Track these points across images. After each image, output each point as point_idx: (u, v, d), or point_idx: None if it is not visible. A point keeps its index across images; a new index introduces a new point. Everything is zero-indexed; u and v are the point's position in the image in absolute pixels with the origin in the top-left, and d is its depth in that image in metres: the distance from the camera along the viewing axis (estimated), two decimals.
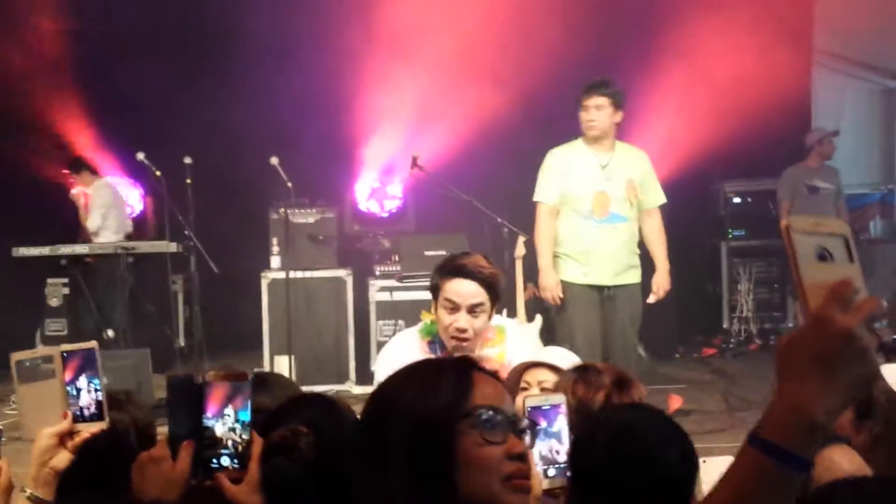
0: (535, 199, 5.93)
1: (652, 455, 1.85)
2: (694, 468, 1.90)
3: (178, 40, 9.31)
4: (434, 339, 3.55)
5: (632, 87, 8.40)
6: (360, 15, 9.17)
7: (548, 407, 2.20)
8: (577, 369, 2.62)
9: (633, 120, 8.42)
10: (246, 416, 1.70)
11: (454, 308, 3.40)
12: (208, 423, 1.70)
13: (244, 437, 1.70)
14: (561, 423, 2.18)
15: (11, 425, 7.07)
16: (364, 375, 8.04)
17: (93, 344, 2.10)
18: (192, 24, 9.32)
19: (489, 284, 3.43)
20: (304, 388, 7.60)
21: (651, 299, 5.82)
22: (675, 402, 6.89)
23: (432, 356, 3.50)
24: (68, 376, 2.07)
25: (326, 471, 1.76)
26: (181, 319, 9.36)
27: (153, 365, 7.29)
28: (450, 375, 1.59)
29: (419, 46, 9.00)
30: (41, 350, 2.12)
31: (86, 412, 2.06)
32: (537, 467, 2.06)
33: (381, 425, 1.57)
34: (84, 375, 2.07)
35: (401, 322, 8.03)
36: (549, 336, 7.33)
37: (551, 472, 2.10)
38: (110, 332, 8.22)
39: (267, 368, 8.09)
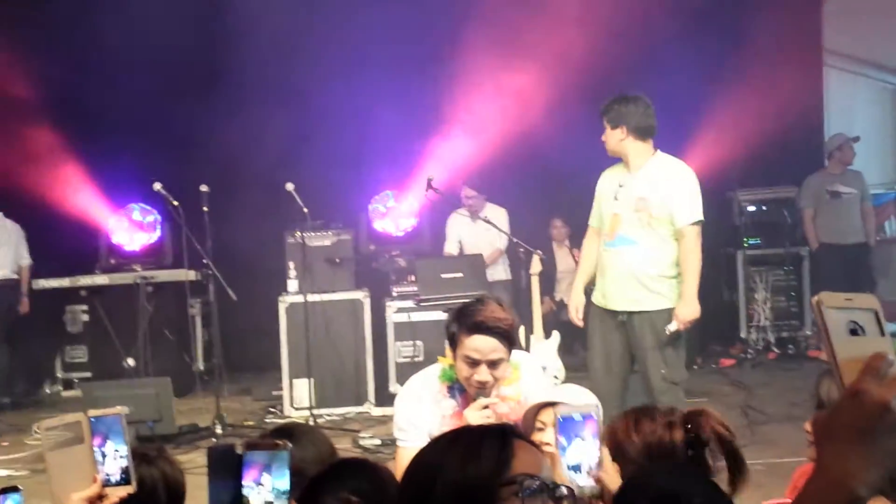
0: None
1: None
2: None
3: (191, 70, 9.36)
4: (453, 385, 3.56)
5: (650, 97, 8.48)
6: (371, 39, 9.22)
7: (579, 418, 2.26)
8: (630, 412, 2.57)
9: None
10: (284, 484, 1.72)
11: (475, 363, 3.42)
12: (246, 492, 1.72)
13: None
14: (591, 433, 2.23)
15: (33, 457, 7.16)
16: (383, 397, 8.07)
17: (119, 410, 2.14)
18: (205, 53, 9.38)
19: (507, 337, 3.45)
20: (324, 411, 7.75)
21: (670, 328, 5.36)
22: None
23: (451, 401, 3.53)
24: (95, 442, 2.10)
25: None
26: (200, 344, 9.40)
27: (173, 390, 7.32)
28: (492, 443, 1.62)
29: (432, 66, 9.05)
30: (69, 417, 2.14)
31: (112, 478, 2.10)
32: (566, 475, 2.12)
33: (423, 492, 1.60)
34: (110, 442, 2.10)
35: (419, 343, 8.08)
36: (566, 352, 7.37)
37: (580, 480, 2.15)
38: (131, 361, 8.26)
39: (286, 392, 8.13)
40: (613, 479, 2.33)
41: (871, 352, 1.18)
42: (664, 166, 5.53)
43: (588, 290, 5.74)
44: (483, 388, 3.42)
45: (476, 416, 3.32)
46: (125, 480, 2.10)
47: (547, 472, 1.64)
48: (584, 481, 2.18)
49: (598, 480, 2.28)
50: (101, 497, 2.08)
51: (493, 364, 3.41)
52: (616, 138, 5.48)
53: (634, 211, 5.45)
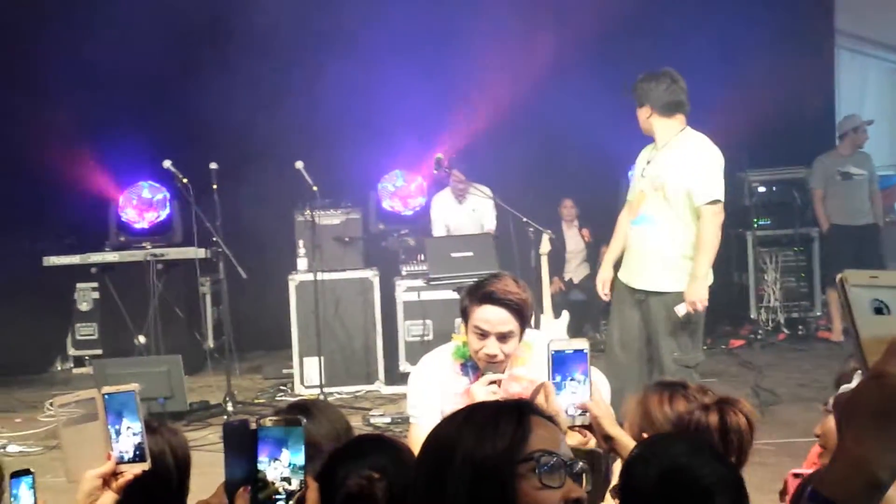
0: None
1: (702, 500, 1.85)
2: None
3: (201, 47, 9.35)
4: (466, 362, 3.55)
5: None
6: (380, 15, 9.19)
7: (571, 352, 2.42)
8: (663, 386, 2.61)
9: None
10: (299, 459, 1.73)
11: (483, 335, 3.41)
12: (262, 467, 1.73)
13: (298, 481, 1.73)
14: (582, 367, 2.39)
15: (46, 433, 7.19)
16: (393, 375, 8.09)
17: (133, 386, 2.14)
18: (215, 31, 9.36)
19: (518, 310, 3.41)
20: (334, 390, 7.78)
21: (679, 310, 5.27)
22: None
23: (465, 379, 3.53)
24: (109, 420, 2.11)
25: None
26: (210, 321, 9.43)
27: (184, 368, 7.35)
28: (508, 419, 1.62)
29: (443, 44, 9.02)
30: (83, 393, 2.15)
31: (125, 455, 2.11)
32: (562, 408, 2.32)
33: (439, 469, 1.60)
34: (124, 419, 2.11)
35: (428, 322, 8.08)
36: (576, 332, 7.37)
37: (571, 411, 2.37)
38: (142, 339, 8.29)
39: (296, 370, 8.16)
40: (603, 411, 2.40)
41: (895, 331, 1.16)
42: (687, 143, 5.40)
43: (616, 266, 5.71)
44: (492, 363, 3.40)
45: (481, 391, 3.30)
46: (140, 457, 2.11)
47: (564, 447, 1.64)
48: (574, 412, 2.36)
49: (584, 409, 2.37)
50: (115, 474, 2.10)
51: (502, 337, 3.39)
52: (643, 116, 5.45)
53: (654, 189, 5.38)
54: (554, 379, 2.41)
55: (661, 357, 5.38)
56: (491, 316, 3.39)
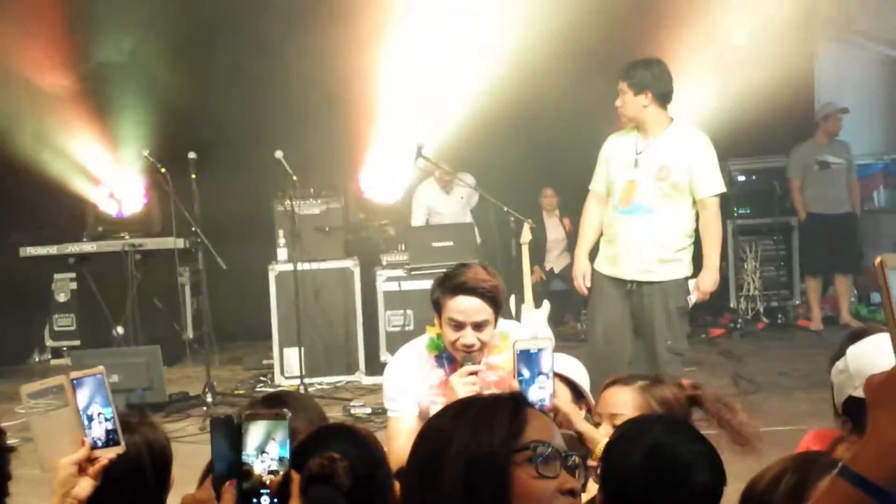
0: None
1: (684, 476, 1.91)
2: (722, 485, 1.96)
3: (179, 35, 9.26)
4: (441, 354, 3.54)
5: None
6: (358, 3, 9.12)
7: (535, 350, 2.50)
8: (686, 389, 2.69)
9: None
10: (285, 452, 1.72)
11: (459, 325, 3.39)
12: (249, 461, 1.72)
13: (283, 473, 1.72)
14: (547, 366, 2.47)
15: (23, 425, 7.12)
16: (373, 366, 8.07)
17: (100, 369, 2.11)
18: (193, 19, 9.27)
19: (491, 298, 3.40)
20: (314, 380, 7.76)
21: (692, 299, 5.38)
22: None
23: (440, 370, 3.52)
24: (79, 405, 2.08)
25: (362, 498, 1.82)
26: (189, 312, 9.38)
27: (163, 359, 7.33)
28: (504, 411, 1.63)
29: (422, 31, 8.97)
30: (50, 380, 2.10)
31: (99, 441, 2.08)
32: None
33: (434, 460, 1.61)
34: (94, 405, 2.08)
35: (409, 311, 8.07)
36: (556, 322, 7.37)
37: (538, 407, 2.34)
38: (120, 329, 8.24)
39: (276, 361, 8.13)
40: (569, 408, 2.45)
41: None
42: (686, 135, 5.44)
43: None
44: (469, 352, 3.39)
45: (461, 382, 3.27)
46: (114, 441, 2.08)
47: (558, 439, 1.65)
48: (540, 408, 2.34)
49: (552, 409, 2.42)
50: (90, 460, 2.06)
51: (477, 326, 3.38)
52: (638, 104, 5.34)
53: (655, 179, 5.34)
54: (521, 376, 2.47)
55: (654, 343, 5.38)
56: (465, 306, 3.38)
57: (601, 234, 5.62)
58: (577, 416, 2.46)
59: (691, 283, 5.47)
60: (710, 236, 5.39)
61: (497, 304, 3.44)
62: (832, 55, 11.68)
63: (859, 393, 2.32)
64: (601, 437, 2.44)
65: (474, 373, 3.33)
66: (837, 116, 9.40)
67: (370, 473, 1.89)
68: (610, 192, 5.51)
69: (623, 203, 5.41)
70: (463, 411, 1.67)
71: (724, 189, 5.44)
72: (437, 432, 1.66)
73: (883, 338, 2.44)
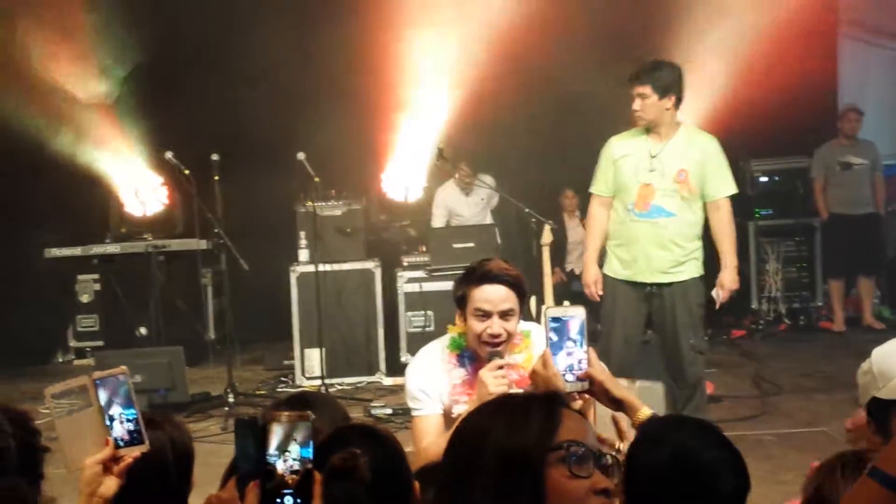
0: (590, 189, 5.72)
1: (709, 482, 1.88)
2: (747, 490, 1.93)
3: (202, 37, 9.31)
4: (462, 353, 3.55)
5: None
6: (380, 2, 9.15)
7: (567, 318, 2.46)
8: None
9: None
10: (308, 453, 1.73)
11: (486, 315, 3.40)
12: (272, 461, 1.74)
13: (306, 474, 1.73)
14: (580, 332, 2.44)
15: (47, 425, 7.18)
16: (394, 367, 8.09)
17: (123, 369, 2.12)
18: (215, 20, 9.32)
19: (516, 286, 3.45)
20: (335, 381, 7.79)
21: (718, 297, 5.48)
22: (706, 389, 6.89)
23: (462, 370, 3.53)
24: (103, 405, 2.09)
25: (383, 494, 1.83)
26: (211, 313, 9.43)
27: (186, 359, 7.37)
28: (539, 410, 1.65)
29: (444, 34, 8.98)
30: (73, 381, 2.11)
31: (121, 441, 2.09)
32: (560, 372, 2.38)
33: (468, 458, 1.62)
34: (116, 406, 2.09)
35: (430, 313, 8.08)
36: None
37: (570, 377, 2.41)
38: (143, 330, 8.29)
39: (297, 361, 8.16)
40: (604, 375, 2.43)
41: None
42: (697, 138, 5.51)
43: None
44: (496, 343, 3.39)
45: (491, 376, 3.25)
46: (138, 440, 2.10)
47: (592, 439, 1.67)
48: (572, 378, 2.41)
49: (586, 377, 2.40)
50: (115, 459, 2.08)
51: (504, 315, 3.40)
52: (662, 107, 5.34)
53: (674, 182, 5.38)
54: (551, 341, 2.45)
55: (678, 343, 5.44)
56: (492, 295, 3.40)
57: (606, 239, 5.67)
58: (615, 383, 2.43)
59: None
60: (727, 236, 5.51)
61: (521, 294, 3.47)
62: (855, 55, 11.60)
63: (883, 394, 2.32)
64: (641, 404, 2.40)
65: (503, 366, 3.32)
66: (849, 117, 9.34)
67: (391, 470, 1.90)
68: (620, 195, 5.52)
69: (640, 206, 5.42)
70: (498, 410, 1.69)
71: (736, 190, 5.55)
72: (472, 430, 1.68)
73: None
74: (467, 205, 8.97)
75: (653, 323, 5.60)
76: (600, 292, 5.59)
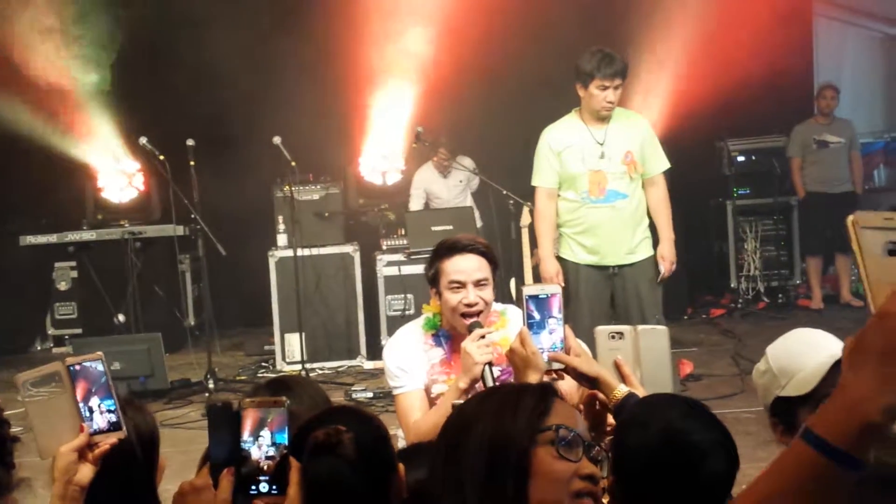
0: (532, 183, 5.76)
1: (699, 464, 1.85)
2: (736, 469, 1.91)
3: (176, 22, 9.22)
4: (438, 333, 3.54)
5: (635, 46, 8.40)
6: None
7: (545, 295, 2.46)
8: None
9: (637, 80, 8.40)
10: (283, 439, 1.72)
11: (460, 286, 3.40)
12: (247, 447, 1.72)
13: (281, 460, 1.72)
14: (557, 310, 2.44)
15: (24, 414, 7.13)
16: (375, 350, 8.08)
17: (98, 355, 2.08)
18: (190, 5, 9.23)
19: (488, 255, 3.47)
20: (316, 366, 7.76)
21: (662, 271, 5.62)
22: (685, 368, 6.93)
23: (439, 349, 3.52)
24: (78, 395, 2.06)
25: (367, 471, 1.82)
26: (190, 299, 9.39)
27: (164, 346, 7.33)
28: (529, 397, 1.66)
29: (419, 15, 8.93)
30: (46, 367, 2.08)
31: (100, 426, 2.06)
32: (539, 350, 2.41)
33: (459, 440, 1.63)
34: (95, 397, 2.06)
35: (409, 296, 8.07)
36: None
37: (546, 356, 2.43)
38: (121, 317, 8.25)
39: (278, 346, 8.14)
40: (584, 353, 2.42)
41: None
42: (632, 118, 5.74)
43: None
44: (474, 313, 3.38)
45: (475, 346, 3.18)
46: (115, 427, 2.07)
47: (583, 428, 1.67)
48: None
49: (567, 352, 2.40)
50: (90, 446, 2.05)
51: (478, 284, 3.41)
52: (620, 94, 5.54)
53: (622, 164, 5.54)
54: (531, 319, 2.45)
55: (644, 321, 5.43)
56: (464, 265, 3.41)
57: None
58: (591, 361, 2.42)
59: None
60: (667, 211, 5.73)
61: (494, 263, 3.49)
62: (831, 34, 11.64)
63: (788, 392, 2.26)
64: (618, 382, 2.38)
65: (485, 335, 3.25)
66: (825, 94, 9.36)
67: (375, 449, 1.88)
68: (569, 184, 5.59)
69: (595, 193, 5.53)
70: (490, 396, 1.72)
71: (669, 165, 5.77)
72: (463, 414, 1.69)
73: (798, 334, 2.40)
74: (446, 187, 8.95)
75: (615, 304, 5.67)
76: (562, 284, 5.59)
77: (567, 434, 1.60)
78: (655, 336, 2.55)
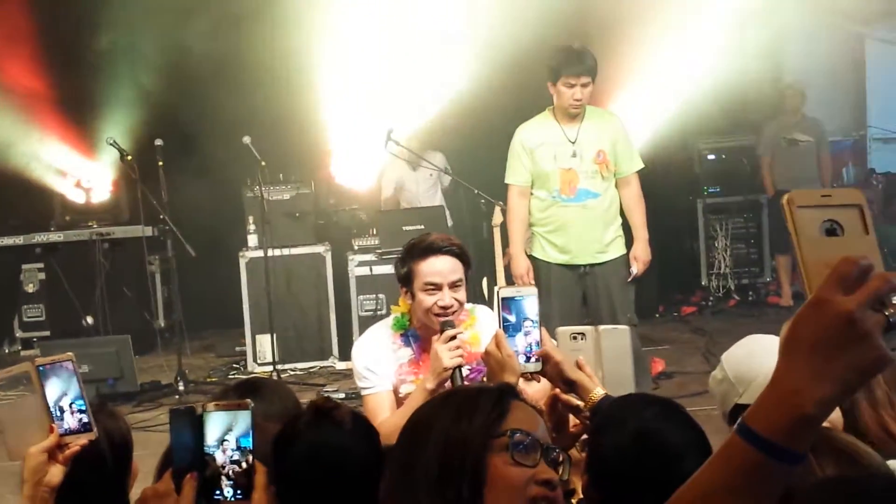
0: (505, 181, 5.77)
1: (672, 465, 1.81)
2: None
3: (144, 20, 9.14)
4: (407, 333, 3.53)
5: (607, 46, 8.41)
6: None
7: (521, 297, 2.44)
8: None
9: (609, 80, 8.41)
10: (248, 442, 1.70)
11: (436, 288, 3.37)
12: (210, 451, 1.70)
13: (246, 465, 1.69)
14: (533, 313, 2.41)
15: None
16: (346, 351, 7.97)
17: (69, 356, 2.07)
18: (160, 4, 9.16)
19: (462, 256, 3.45)
20: (288, 367, 7.72)
21: (633, 271, 5.63)
22: (657, 366, 6.95)
23: (407, 349, 3.51)
24: (49, 396, 2.04)
25: (362, 443, 1.93)
26: (160, 300, 9.31)
27: (134, 348, 7.27)
28: (486, 400, 1.63)
29: (390, 15, 8.91)
30: (15, 368, 2.07)
31: (70, 428, 2.04)
32: (515, 353, 2.38)
33: (415, 443, 1.62)
34: (65, 396, 2.04)
35: (381, 296, 8.04)
36: None
37: (525, 358, 2.39)
38: (89, 319, 8.17)
39: (249, 348, 8.09)
40: (561, 356, 2.41)
41: (848, 253, 1.06)
42: (605, 117, 5.74)
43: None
44: (447, 314, 3.37)
45: (446, 349, 3.18)
46: (86, 428, 2.05)
47: (542, 432, 1.65)
48: (530, 359, 2.40)
49: (542, 356, 2.38)
50: (60, 447, 2.03)
51: (454, 286, 3.39)
52: (589, 93, 5.54)
53: (594, 163, 5.53)
54: (507, 322, 2.43)
55: (616, 319, 5.49)
56: (440, 266, 3.39)
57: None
58: (570, 364, 2.41)
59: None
60: (640, 210, 5.69)
61: (467, 263, 3.47)
62: (800, 32, 11.71)
63: (746, 399, 2.25)
64: (595, 385, 2.37)
65: (455, 337, 3.25)
66: (789, 94, 9.44)
67: (368, 429, 1.99)
68: (541, 183, 5.60)
69: (566, 192, 5.54)
70: (447, 399, 1.69)
71: (643, 164, 5.74)
72: (421, 418, 1.67)
73: (752, 340, 2.40)
74: (415, 180, 8.85)
75: (587, 303, 5.67)
76: (532, 282, 5.61)
77: (523, 438, 1.57)
78: (617, 336, 2.55)
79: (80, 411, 2.05)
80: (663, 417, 1.92)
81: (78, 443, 2.04)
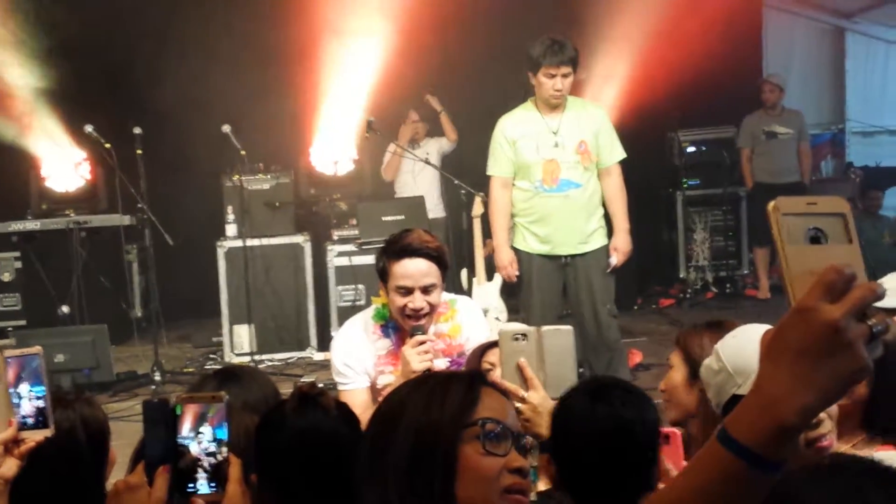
0: (487, 172, 5.75)
1: (627, 437, 1.98)
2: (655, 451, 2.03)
3: (123, 8, 9.06)
4: (387, 324, 3.52)
5: (586, 37, 8.41)
6: None
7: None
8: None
9: (589, 71, 8.42)
10: (224, 434, 1.68)
11: (407, 291, 3.36)
12: (184, 443, 1.68)
13: (221, 457, 1.68)
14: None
15: None
16: (325, 341, 8.00)
17: (37, 349, 2.05)
18: None
19: (438, 259, 3.40)
20: (265, 357, 7.70)
21: (612, 261, 5.61)
22: (635, 357, 6.96)
23: (387, 340, 3.50)
24: (11, 383, 2.02)
25: (346, 430, 1.96)
26: (137, 290, 9.25)
27: (111, 337, 7.22)
28: (457, 387, 1.63)
29: (371, 3, 8.87)
30: None
31: (28, 420, 2.02)
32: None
33: (385, 432, 1.61)
34: (25, 383, 2.01)
35: (360, 286, 8.01)
36: (509, 294, 7.37)
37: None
38: (66, 308, 8.10)
39: (226, 338, 8.05)
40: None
41: (832, 261, 1.06)
42: (588, 107, 5.73)
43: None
44: (419, 317, 3.37)
45: (413, 353, 3.23)
46: (43, 423, 2.02)
47: (513, 419, 1.65)
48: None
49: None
50: (16, 441, 2.01)
51: (426, 290, 3.37)
52: (570, 84, 5.52)
53: (575, 153, 5.53)
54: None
55: (595, 310, 5.57)
56: (412, 269, 3.36)
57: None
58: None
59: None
60: (620, 200, 5.69)
61: (443, 266, 3.44)
62: (779, 26, 11.76)
63: (743, 391, 2.23)
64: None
65: (424, 342, 3.29)
66: (765, 87, 9.47)
67: (351, 415, 2.02)
68: (523, 174, 5.59)
69: (548, 182, 5.52)
70: (419, 386, 1.68)
71: (625, 155, 5.74)
72: (391, 406, 1.67)
73: (750, 330, 2.40)
74: (411, 165, 8.84)
75: (567, 293, 5.68)
76: (517, 272, 5.65)
77: (494, 427, 1.57)
78: (559, 336, 2.55)
79: (40, 399, 2.02)
80: (631, 406, 2.04)
81: (33, 439, 2.01)
